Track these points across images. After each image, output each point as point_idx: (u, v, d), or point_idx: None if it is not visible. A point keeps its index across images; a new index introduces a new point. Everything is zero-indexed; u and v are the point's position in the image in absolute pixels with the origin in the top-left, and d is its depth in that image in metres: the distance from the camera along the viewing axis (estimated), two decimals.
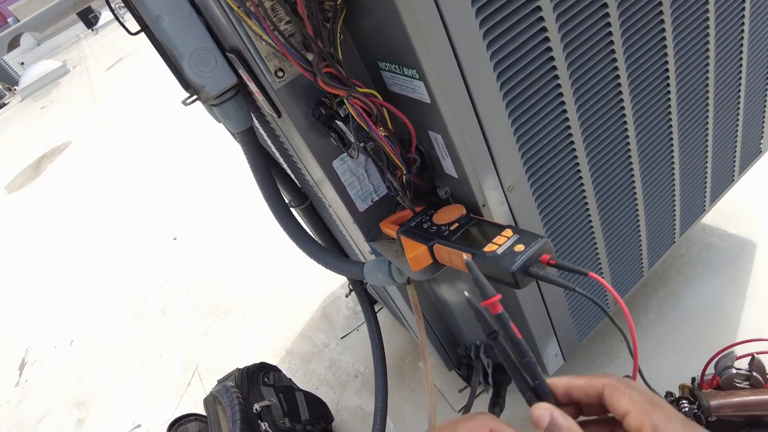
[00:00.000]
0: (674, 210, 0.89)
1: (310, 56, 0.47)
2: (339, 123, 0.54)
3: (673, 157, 0.80)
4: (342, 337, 1.38)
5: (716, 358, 0.76)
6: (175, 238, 2.20)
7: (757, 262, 1.08)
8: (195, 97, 0.64)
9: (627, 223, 0.81)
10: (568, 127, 0.62)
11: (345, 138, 0.56)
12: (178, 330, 1.69)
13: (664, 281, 1.12)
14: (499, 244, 0.50)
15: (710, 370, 0.82)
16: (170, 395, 1.48)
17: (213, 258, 1.99)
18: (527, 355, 0.31)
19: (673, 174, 0.83)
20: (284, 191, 0.82)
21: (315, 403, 1.04)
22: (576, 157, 0.65)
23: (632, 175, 0.75)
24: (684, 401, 0.76)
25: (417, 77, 0.50)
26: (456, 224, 0.56)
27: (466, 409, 0.88)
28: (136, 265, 2.17)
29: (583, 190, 0.69)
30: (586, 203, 0.71)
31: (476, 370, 0.84)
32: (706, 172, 0.91)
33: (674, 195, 0.86)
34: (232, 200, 2.27)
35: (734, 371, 0.71)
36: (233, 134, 0.70)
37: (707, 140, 0.86)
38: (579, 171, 0.67)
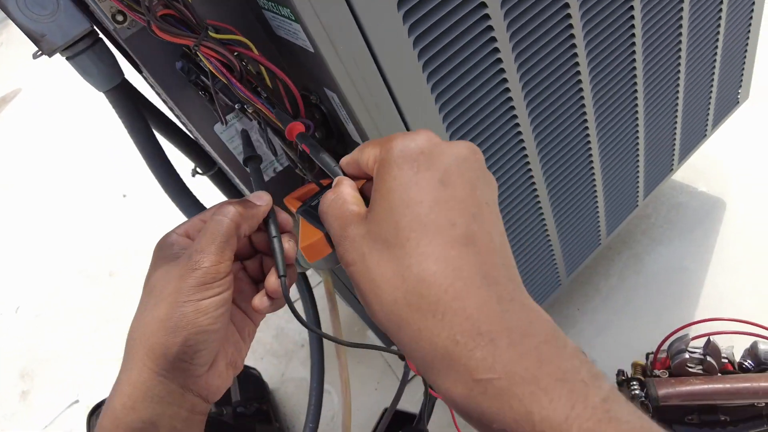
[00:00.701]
0: (637, 171, 0.80)
1: None
2: (204, 80, 0.42)
3: (636, 111, 0.70)
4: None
5: (670, 339, 0.69)
6: (124, 195, 2.07)
7: (725, 224, 1.01)
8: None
9: (581, 188, 0.71)
10: (502, 70, 0.50)
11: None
12: (128, 295, 1.60)
13: (629, 244, 1.04)
14: None
15: (666, 346, 0.75)
16: (115, 367, 1.40)
17: (164, 217, 1.87)
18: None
19: (637, 130, 0.73)
20: (188, 156, 0.70)
21: (248, 381, 0.97)
22: (513, 107, 0.54)
23: (587, 134, 0.65)
24: (634, 383, 0.69)
25: (293, 18, 0.38)
26: None
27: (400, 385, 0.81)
28: (84, 224, 2.05)
29: (525, 155, 0.59)
30: (529, 169, 0.61)
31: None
32: (676, 128, 0.81)
33: (638, 155, 0.77)
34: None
35: (687, 356, 0.64)
36: None
37: (678, 91, 0.75)
38: (518, 127, 0.56)
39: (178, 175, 0.61)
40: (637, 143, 0.74)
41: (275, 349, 1.22)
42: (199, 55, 0.38)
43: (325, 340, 0.88)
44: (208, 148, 0.54)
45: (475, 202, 0.25)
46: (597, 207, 0.77)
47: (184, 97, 0.48)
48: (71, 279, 1.81)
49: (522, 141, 0.57)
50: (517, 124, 0.55)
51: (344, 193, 0.28)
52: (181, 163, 0.73)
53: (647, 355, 0.76)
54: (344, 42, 0.38)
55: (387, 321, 0.24)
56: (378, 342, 1.03)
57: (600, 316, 0.95)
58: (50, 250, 2.03)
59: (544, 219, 0.69)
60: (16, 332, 1.72)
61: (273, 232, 0.35)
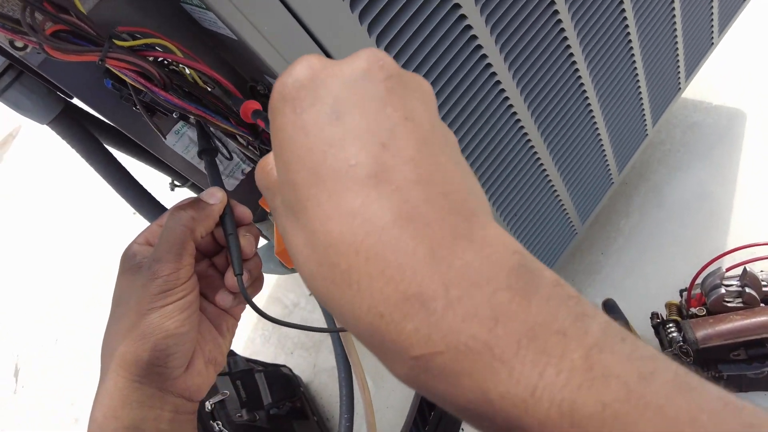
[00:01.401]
0: (641, 99, 0.73)
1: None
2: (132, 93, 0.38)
3: (628, 32, 0.63)
4: (310, 294, 1.28)
5: (703, 273, 0.64)
6: (134, 213, 2.07)
7: (748, 137, 0.93)
8: None
9: (580, 131, 0.65)
10: (463, 16, 0.45)
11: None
12: None
13: (645, 176, 0.98)
14: None
15: (700, 280, 0.70)
16: None
17: None
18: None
19: (632, 54, 0.66)
20: (160, 170, 0.67)
21: (278, 381, 0.96)
22: (485, 56, 0.49)
23: (576, 69, 0.59)
24: (671, 325, 0.65)
25: (204, 6, 0.33)
26: None
27: None
28: (96, 242, 2.06)
29: (510, 106, 0.54)
30: (518, 120, 0.56)
31: None
32: (677, 42, 0.74)
33: (638, 81, 0.70)
34: None
35: (723, 290, 0.59)
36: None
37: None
38: (495, 76, 0.51)
39: (149, 194, 0.57)
40: (635, 69, 0.68)
41: (303, 341, 1.21)
42: (110, 68, 0.34)
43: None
44: (167, 162, 0.51)
45: (385, 126, 0.19)
46: (602, 146, 0.71)
47: (123, 116, 0.44)
48: (91, 304, 1.84)
49: (503, 92, 0.52)
50: (494, 74, 0.50)
51: (269, 158, 0.23)
52: (160, 177, 0.70)
53: (681, 292, 0.71)
54: (268, 20, 0.34)
55: (316, 298, 0.21)
56: None
57: (625, 257, 0.90)
58: (63, 268, 2.05)
59: (545, 171, 0.64)
60: (60, 366, 1.76)
61: (228, 229, 0.35)
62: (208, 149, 0.40)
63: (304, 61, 0.21)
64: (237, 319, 0.38)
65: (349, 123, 0.19)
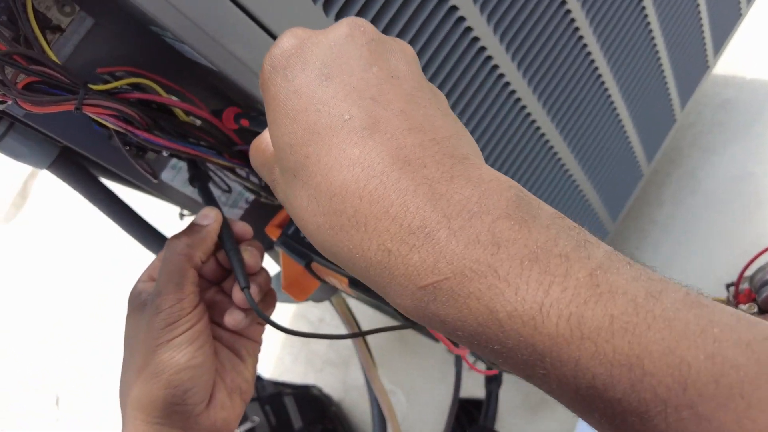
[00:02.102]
0: (665, 83, 0.68)
1: None
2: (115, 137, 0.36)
3: (646, 14, 0.58)
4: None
5: (750, 267, 0.59)
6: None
7: None
8: None
9: (604, 127, 0.61)
10: (462, 19, 0.42)
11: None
12: None
13: (677, 161, 0.92)
14: None
15: (749, 273, 0.65)
16: None
17: None
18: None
19: (652, 36, 0.61)
20: (167, 201, 0.65)
21: (308, 403, 0.94)
22: (491, 57, 0.45)
23: (589, 53, 0.54)
24: None
25: (171, 36, 0.31)
26: None
27: (456, 378, 0.75)
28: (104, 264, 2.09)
29: (524, 107, 0.50)
30: (533, 121, 0.52)
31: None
32: (700, 17, 0.69)
33: (660, 63, 0.65)
34: None
35: None
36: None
37: None
38: (503, 77, 0.47)
39: (154, 230, 0.56)
40: (656, 50, 0.63)
41: (331, 358, 1.19)
42: (89, 115, 0.32)
43: (376, 342, 0.82)
44: (168, 200, 0.49)
45: (372, 82, 0.20)
46: (628, 139, 0.66)
47: (116, 158, 0.42)
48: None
49: (513, 93, 0.48)
50: (502, 75, 0.46)
51: (263, 136, 0.25)
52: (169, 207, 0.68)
53: (728, 287, 0.66)
54: (247, 49, 0.31)
55: (324, 252, 0.21)
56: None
57: (662, 250, 0.85)
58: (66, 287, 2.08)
59: (569, 172, 0.60)
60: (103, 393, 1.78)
61: (228, 245, 0.33)
62: (197, 174, 0.38)
63: (288, 33, 0.22)
64: (257, 342, 0.36)
65: (339, 82, 0.20)
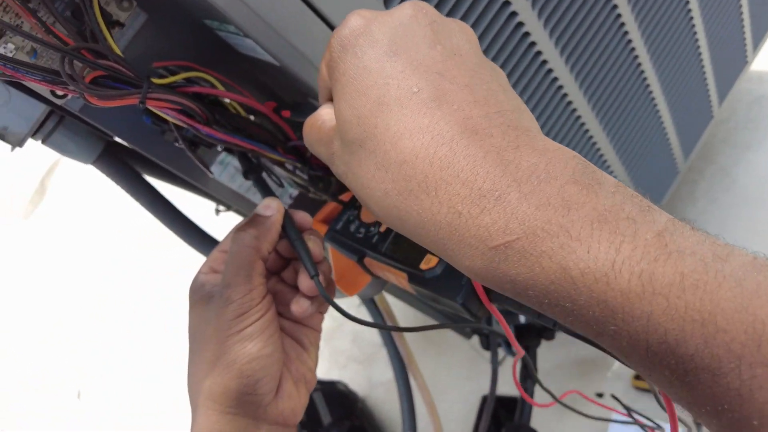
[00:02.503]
0: (705, 77, 0.67)
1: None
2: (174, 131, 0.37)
3: (690, 9, 0.57)
4: (359, 305, 1.26)
5: None
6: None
7: None
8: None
9: (643, 120, 0.60)
10: (520, 25, 0.41)
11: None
12: None
13: (710, 157, 0.91)
14: None
15: None
16: None
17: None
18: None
19: (695, 31, 0.60)
20: (205, 197, 0.66)
21: (336, 399, 0.94)
22: (533, 40, 0.45)
23: (633, 49, 0.53)
24: None
25: (240, 33, 0.31)
26: None
27: (493, 375, 0.75)
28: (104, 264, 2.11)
29: (573, 109, 0.49)
30: (579, 117, 0.51)
31: (492, 340, 0.69)
32: (741, 11, 0.68)
33: (701, 57, 0.64)
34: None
35: None
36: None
37: None
38: (552, 73, 0.47)
39: (195, 225, 0.56)
40: (697, 44, 0.62)
41: (356, 354, 1.19)
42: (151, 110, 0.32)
43: (397, 344, 0.82)
44: (214, 195, 0.49)
45: (437, 59, 0.22)
46: (666, 135, 0.65)
47: (165, 152, 0.42)
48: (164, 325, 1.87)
49: (560, 87, 0.47)
50: (551, 70, 0.46)
51: (320, 113, 0.26)
52: (204, 202, 0.68)
53: None
54: (311, 44, 0.31)
55: (390, 219, 0.22)
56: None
57: None
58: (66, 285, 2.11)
59: (610, 168, 0.59)
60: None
61: (293, 235, 0.33)
62: (252, 167, 0.37)
63: (355, 14, 0.23)
64: (318, 330, 0.37)
65: (406, 59, 0.21)
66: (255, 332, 0.30)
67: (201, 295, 0.33)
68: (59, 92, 0.34)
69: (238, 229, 0.32)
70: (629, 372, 0.83)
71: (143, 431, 1.52)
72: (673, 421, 0.23)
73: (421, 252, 0.34)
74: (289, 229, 0.33)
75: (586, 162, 0.19)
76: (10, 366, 2.08)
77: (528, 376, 0.67)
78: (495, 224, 0.18)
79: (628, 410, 0.46)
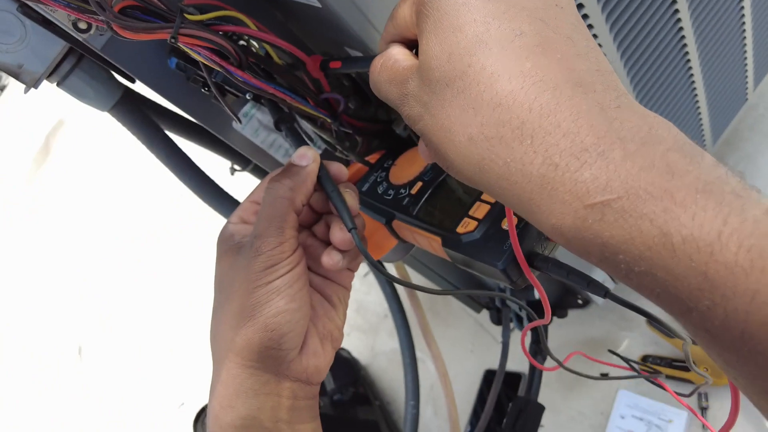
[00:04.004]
0: (745, 55, 0.64)
1: None
2: (202, 75, 0.35)
3: None
4: (365, 275, 1.25)
5: None
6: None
7: None
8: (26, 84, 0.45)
9: (678, 90, 0.58)
10: None
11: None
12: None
13: (735, 144, 0.89)
14: (478, 217, 0.31)
15: None
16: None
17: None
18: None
19: (742, 5, 0.57)
20: (220, 155, 0.64)
21: (340, 366, 0.94)
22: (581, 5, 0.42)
23: (678, 20, 0.51)
24: None
25: None
26: (419, 183, 0.38)
27: (504, 349, 0.74)
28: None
29: None
30: None
31: (505, 315, 0.69)
32: None
33: (744, 31, 0.61)
34: None
35: None
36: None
37: None
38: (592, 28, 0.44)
39: (211, 181, 0.54)
40: (743, 16, 0.59)
41: (359, 323, 1.19)
42: (182, 47, 0.30)
43: (409, 312, 0.81)
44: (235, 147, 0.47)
45: (540, 6, 0.21)
46: (699, 112, 0.63)
47: (189, 99, 0.40)
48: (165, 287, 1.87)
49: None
50: (590, 26, 0.43)
51: (392, 53, 0.24)
52: (219, 161, 0.67)
53: None
54: None
55: (468, 168, 0.21)
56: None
57: None
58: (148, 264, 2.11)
59: None
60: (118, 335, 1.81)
61: (329, 187, 0.32)
62: (283, 116, 0.36)
63: None
64: (348, 288, 0.35)
65: (509, 1, 0.20)
66: (283, 286, 0.29)
67: (230, 246, 0.32)
68: (83, 24, 0.32)
69: (272, 179, 0.31)
70: (636, 354, 0.83)
71: (144, 387, 1.53)
72: (734, 412, 0.22)
73: (457, 215, 0.33)
74: (325, 180, 0.32)
75: (682, 133, 0.19)
76: (11, 324, 2.09)
77: (537, 351, 0.67)
78: (595, 180, 0.17)
79: (632, 365, 0.45)
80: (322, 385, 0.89)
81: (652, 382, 0.42)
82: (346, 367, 0.96)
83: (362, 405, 0.91)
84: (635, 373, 0.44)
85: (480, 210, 0.32)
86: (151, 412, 1.48)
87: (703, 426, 0.74)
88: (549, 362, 0.43)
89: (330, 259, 0.31)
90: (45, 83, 0.44)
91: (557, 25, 0.20)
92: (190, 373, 1.48)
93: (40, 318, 2.01)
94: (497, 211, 0.31)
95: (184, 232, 1.84)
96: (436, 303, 1.08)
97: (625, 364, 0.44)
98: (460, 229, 0.31)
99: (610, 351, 0.31)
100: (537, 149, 0.18)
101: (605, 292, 0.25)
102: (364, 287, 1.24)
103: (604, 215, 0.17)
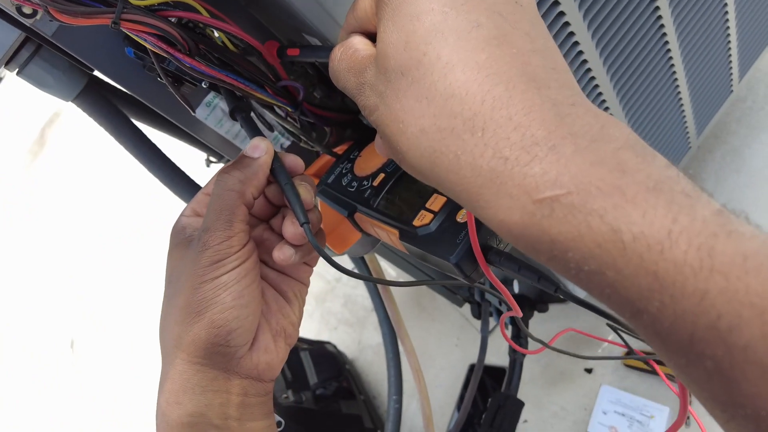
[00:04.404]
0: (729, 46, 0.63)
1: None
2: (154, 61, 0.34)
3: None
4: (352, 269, 1.24)
5: None
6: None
7: None
8: None
9: (660, 84, 0.57)
10: None
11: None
12: None
13: (722, 137, 0.88)
14: (434, 210, 0.31)
15: None
16: None
17: None
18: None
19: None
20: (194, 146, 0.63)
21: (324, 359, 0.93)
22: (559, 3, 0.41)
23: (660, 24, 0.50)
24: None
25: None
26: (381, 175, 0.37)
27: (482, 343, 0.74)
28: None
29: (584, 61, 0.46)
30: (595, 84, 0.48)
31: (484, 309, 0.68)
32: None
33: (728, 22, 0.60)
34: None
35: None
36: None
37: None
38: (568, 26, 0.43)
39: (182, 172, 0.53)
40: (726, 11, 0.58)
41: (347, 317, 1.19)
42: (127, 33, 0.29)
43: (387, 307, 0.80)
44: (199, 139, 0.46)
45: (501, 1, 0.21)
46: (681, 104, 0.62)
47: (150, 89, 0.39)
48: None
49: (575, 41, 0.44)
50: (567, 24, 0.42)
51: (351, 42, 0.24)
52: (195, 153, 0.66)
53: None
54: None
55: (420, 161, 0.20)
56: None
57: None
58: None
59: None
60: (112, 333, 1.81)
61: (282, 179, 0.31)
62: (239, 105, 0.34)
63: None
64: (305, 284, 0.34)
65: None
66: (230, 281, 0.28)
67: (181, 239, 0.31)
68: (27, 9, 0.31)
69: (222, 171, 0.30)
70: (620, 349, 0.82)
71: (137, 380, 1.53)
72: (683, 411, 0.21)
73: (415, 208, 0.32)
74: (279, 172, 0.30)
75: (634, 133, 0.19)
76: (4, 315, 2.08)
77: (519, 337, 0.66)
78: (545, 175, 0.17)
79: (626, 341, 0.45)
80: (305, 379, 0.88)
81: (645, 363, 0.41)
82: (330, 361, 0.96)
83: (346, 399, 0.90)
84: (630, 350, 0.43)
85: (437, 202, 0.31)
86: (148, 397, 1.47)
87: (686, 420, 0.73)
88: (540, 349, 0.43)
89: (281, 253, 0.30)
90: None
91: (515, 20, 0.20)
92: None
93: (32, 311, 2.01)
94: (454, 203, 0.30)
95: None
96: (423, 297, 1.07)
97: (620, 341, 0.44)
98: (416, 222, 0.31)
99: (608, 325, 0.30)
100: (488, 142, 0.18)
101: (556, 288, 0.24)
102: (352, 281, 1.23)
103: (553, 211, 0.17)
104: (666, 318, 0.15)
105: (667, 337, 0.15)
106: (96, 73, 0.48)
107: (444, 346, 1.00)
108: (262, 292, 0.30)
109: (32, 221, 2.57)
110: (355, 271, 0.56)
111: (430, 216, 0.30)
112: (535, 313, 0.76)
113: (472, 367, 0.94)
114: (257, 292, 0.30)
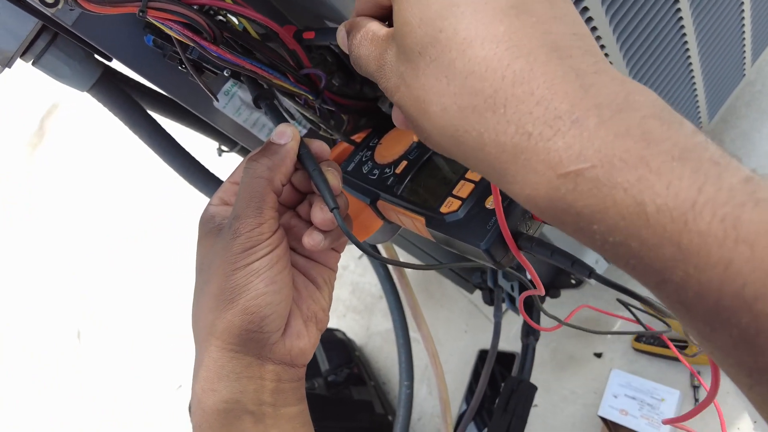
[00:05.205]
0: (743, 29, 0.63)
1: None
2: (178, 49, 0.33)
3: None
4: (359, 257, 1.25)
5: None
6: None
7: None
8: None
9: (673, 67, 0.57)
10: None
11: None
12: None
13: (731, 122, 0.87)
14: (462, 196, 0.31)
15: None
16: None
17: None
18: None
19: None
20: (206, 135, 0.63)
21: (335, 346, 0.94)
22: None
23: (676, 0, 0.49)
24: None
25: None
26: (404, 162, 0.37)
27: (496, 328, 0.74)
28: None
29: (597, 35, 0.46)
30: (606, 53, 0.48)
31: (497, 295, 0.68)
32: None
33: (742, 6, 0.60)
34: None
35: None
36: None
37: None
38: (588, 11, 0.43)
39: (197, 162, 0.53)
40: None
41: (355, 304, 1.19)
42: (153, 22, 0.29)
43: (403, 293, 0.81)
44: (217, 127, 0.46)
45: None
46: (695, 87, 0.62)
47: (168, 78, 0.39)
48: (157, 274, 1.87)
49: (591, 19, 0.44)
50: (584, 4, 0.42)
51: (367, 26, 0.24)
52: (207, 142, 0.66)
53: None
54: None
55: (444, 139, 0.20)
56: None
57: None
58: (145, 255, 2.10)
59: None
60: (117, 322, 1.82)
61: (310, 166, 0.30)
62: (263, 93, 0.34)
63: None
64: (334, 269, 0.35)
65: None
66: (262, 268, 0.28)
67: (210, 228, 0.31)
68: (50, 0, 0.31)
69: (250, 158, 0.30)
70: (630, 334, 0.83)
71: (143, 370, 1.54)
72: (715, 386, 0.21)
73: (441, 195, 0.32)
74: (306, 158, 0.30)
75: (661, 100, 0.18)
76: (9, 309, 2.09)
77: (531, 332, 0.67)
78: (569, 149, 0.17)
79: (638, 318, 0.45)
80: (317, 365, 0.89)
81: (655, 344, 0.41)
82: (340, 347, 0.97)
83: (357, 385, 0.91)
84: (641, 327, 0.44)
85: (464, 189, 0.31)
86: (149, 394, 1.49)
87: (695, 402, 0.74)
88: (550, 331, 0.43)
89: (311, 239, 0.30)
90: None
91: None
92: (187, 356, 1.48)
93: (33, 309, 2.01)
94: (481, 190, 0.30)
95: (184, 213, 1.84)
96: (431, 284, 1.08)
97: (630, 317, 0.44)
98: (443, 209, 0.31)
99: (618, 300, 0.30)
100: (510, 118, 0.18)
101: (590, 272, 0.25)
102: (359, 269, 1.24)
103: (578, 185, 0.17)
104: (691, 287, 0.15)
105: (692, 306, 0.15)
106: (111, 63, 0.48)
107: (453, 332, 1.01)
108: (292, 278, 0.31)
109: (32, 215, 2.57)
110: (361, 269, 0.56)
111: (458, 203, 0.30)
112: (547, 298, 0.76)
113: (480, 353, 0.95)
114: (288, 278, 0.30)
